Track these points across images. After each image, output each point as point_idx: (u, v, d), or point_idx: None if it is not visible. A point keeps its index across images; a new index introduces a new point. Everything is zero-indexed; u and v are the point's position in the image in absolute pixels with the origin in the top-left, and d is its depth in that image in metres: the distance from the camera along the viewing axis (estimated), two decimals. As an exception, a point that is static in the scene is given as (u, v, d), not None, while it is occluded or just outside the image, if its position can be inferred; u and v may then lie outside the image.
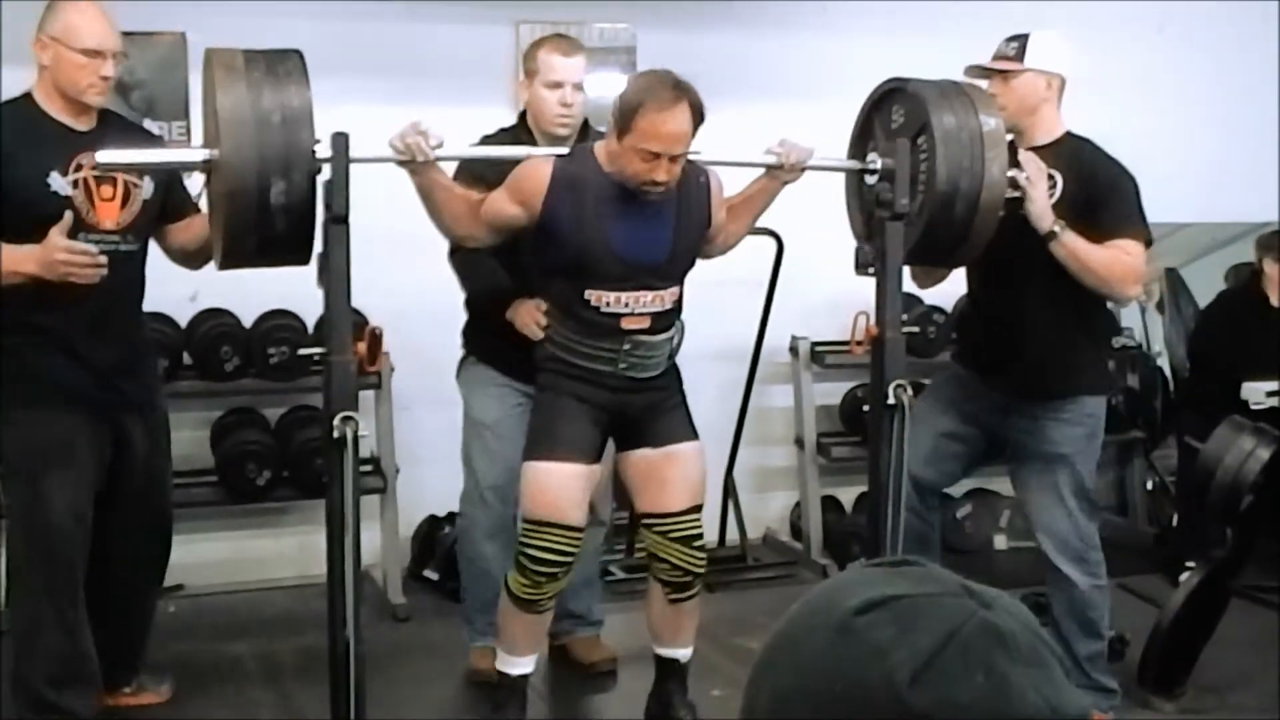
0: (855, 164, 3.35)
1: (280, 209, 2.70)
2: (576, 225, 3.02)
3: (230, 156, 2.69)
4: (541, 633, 3.28)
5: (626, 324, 3.07)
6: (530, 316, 3.23)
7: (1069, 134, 3.42)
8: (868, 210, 3.35)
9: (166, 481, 3.49)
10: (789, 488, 5.18)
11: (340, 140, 2.80)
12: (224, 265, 2.91)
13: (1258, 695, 3.64)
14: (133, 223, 3.19)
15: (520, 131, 3.50)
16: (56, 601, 3.18)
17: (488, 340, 3.54)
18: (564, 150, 3.18)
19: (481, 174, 3.22)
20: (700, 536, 3.22)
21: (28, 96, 3.16)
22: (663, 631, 3.32)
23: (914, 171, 3.20)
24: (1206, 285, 5.49)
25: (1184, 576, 3.87)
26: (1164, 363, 5.55)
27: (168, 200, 3.29)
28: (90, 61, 3.07)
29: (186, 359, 4.34)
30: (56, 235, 2.97)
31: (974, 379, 3.57)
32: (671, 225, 3.10)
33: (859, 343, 3.31)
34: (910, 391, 3.22)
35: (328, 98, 4.10)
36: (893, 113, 3.30)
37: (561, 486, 3.06)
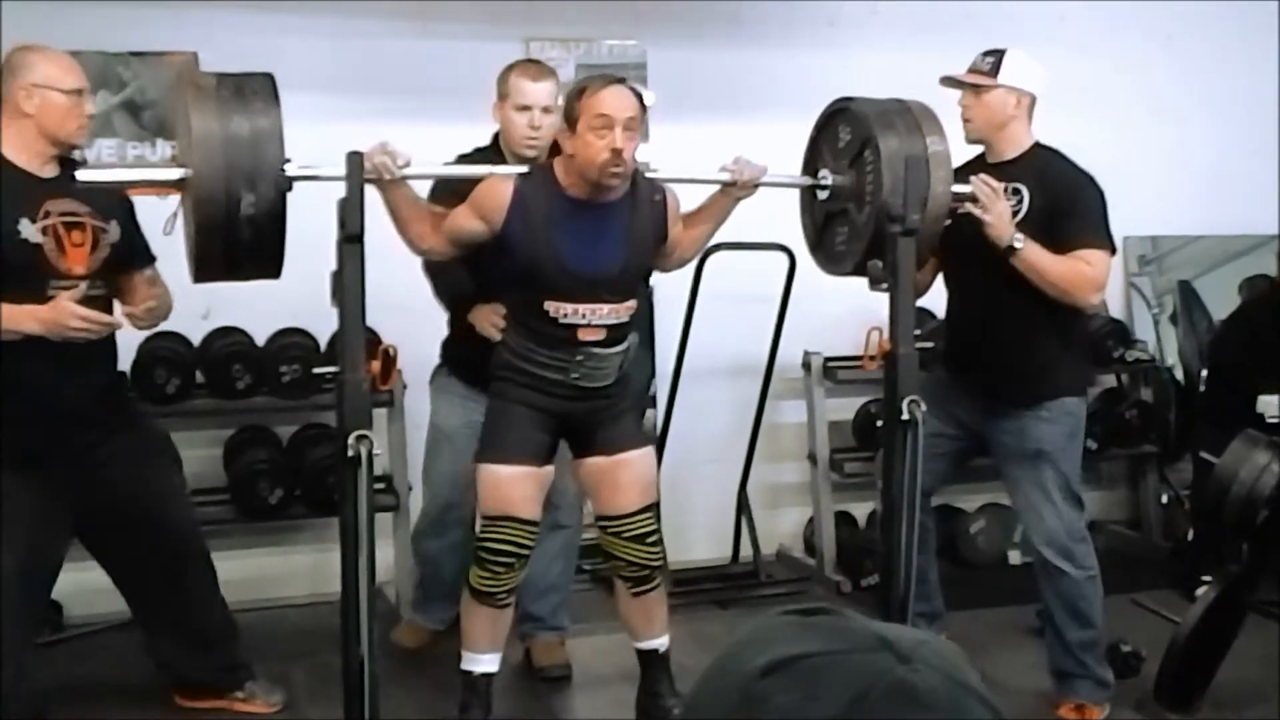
0: (806, 180, 3.54)
1: (248, 220, 2.78)
2: (529, 238, 3.13)
3: (202, 171, 2.78)
4: (503, 631, 3.37)
5: (582, 335, 3.18)
6: (488, 319, 3.45)
7: (1038, 145, 3.53)
8: (818, 224, 3.55)
9: (170, 488, 3.49)
10: (802, 503, 5.17)
11: (355, 159, 2.84)
12: (198, 278, 2.96)
13: (1274, 711, 3.62)
14: (102, 267, 3.21)
15: (493, 152, 3.63)
16: None
17: (459, 352, 3.73)
18: (523, 169, 3.28)
19: (457, 189, 3.33)
20: (654, 533, 3.36)
21: None
22: (635, 624, 3.47)
23: (861, 186, 3.34)
24: (1220, 297, 5.48)
25: (1199, 591, 3.84)
26: (1178, 375, 5.53)
27: (131, 245, 3.31)
28: (78, 101, 3.15)
29: (199, 377, 4.34)
30: (68, 301, 3.00)
31: (958, 381, 3.66)
32: (622, 240, 3.20)
33: (872, 358, 3.34)
34: (923, 407, 3.24)
35: (338, 115, 4.16)
36: (839, 131, 3.45)
37: (513, 485, 3.21)
